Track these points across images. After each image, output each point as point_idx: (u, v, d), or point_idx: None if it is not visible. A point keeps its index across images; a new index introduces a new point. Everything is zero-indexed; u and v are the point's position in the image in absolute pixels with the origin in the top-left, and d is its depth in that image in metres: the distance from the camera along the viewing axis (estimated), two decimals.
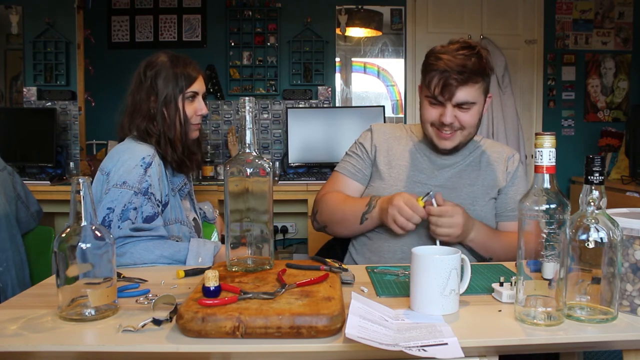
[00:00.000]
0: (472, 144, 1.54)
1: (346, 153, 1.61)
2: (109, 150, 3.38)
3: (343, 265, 1.13)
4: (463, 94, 1.35)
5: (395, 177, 1.49)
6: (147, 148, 1.40)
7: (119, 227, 1.26)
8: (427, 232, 1.37)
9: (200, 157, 1.62)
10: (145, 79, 1.44)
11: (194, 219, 1.56)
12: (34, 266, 1.62)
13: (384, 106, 3.46)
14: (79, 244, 0.90)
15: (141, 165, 1.35)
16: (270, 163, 1.11)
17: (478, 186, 1.47)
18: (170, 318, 0.86)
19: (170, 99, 1.43)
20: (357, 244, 1.52)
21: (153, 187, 1.35)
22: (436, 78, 1.36)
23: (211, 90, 3.60)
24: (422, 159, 1.51)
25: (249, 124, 1.08)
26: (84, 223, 0.91)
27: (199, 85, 1.49)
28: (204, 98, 1.53)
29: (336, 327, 0.81)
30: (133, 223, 1.28)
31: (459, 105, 1.37)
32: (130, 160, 1.35)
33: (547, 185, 0.87)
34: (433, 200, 1.30)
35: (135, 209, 1.29)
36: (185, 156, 1.47)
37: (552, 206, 0.85)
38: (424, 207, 1.29)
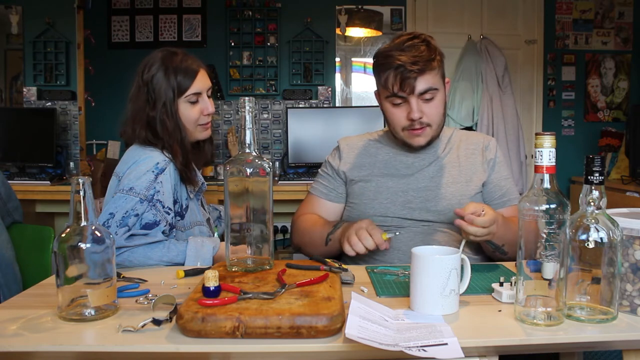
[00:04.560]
0: (445, 137, 1.50)
1: (318, 173, 1.58)
2: (109, 150, 3.38)
3: (343, 265, 1.13)
4: (423, 83, 1.33)
5: (375, 191, 1.44)
6: (164, 154, 1.36)
7: (115, 233, 1.23)
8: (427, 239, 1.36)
9: (210, 156, 1.56)
10: (142, 84, 1.39)
11: (208, 219, 1.54)
12: (33, 266, 1.62)
13: None
14: (79, 244, 0.89)
15: (153, 171, 1.32)
16: (270, 163, 1.11)
17: (461, 184, 1.43)
18: (170, 318, 0.86)
19: (168, 106, 1.37)
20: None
21: (161, 194, 1.31)
22: (392, 75, 1.33)
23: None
24: (399, 165, 1.47)
25: (248, 124, 1.08)
26: (83, 223, 0.91)
27: (200, 84, 1.42)
28: (211, 94, 1.47)
29: (336, 327, 0.81)
30: (130, 230, 1.25)
31: (423, 97, 1.34)
32: (143, 166, 1.32)
33: (547, 185, 0.87)
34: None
35: (136, 215, 1.26)
36: (186, 166, 1.40)
37: (552, 206, 0.85)
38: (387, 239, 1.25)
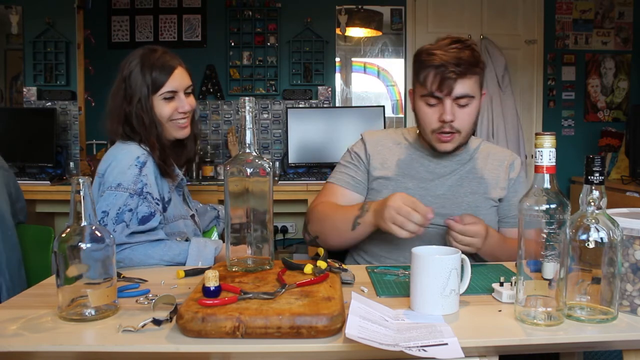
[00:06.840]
0: (471, 148, 1.50)
1: (340, 164, 1.53)
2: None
3: (343, 266, 1.13)
4: (461, 87, 1.31)
5: (394, 190, 1.40)
6: (142, 147, 1.38)
7: (113, 230, 1.24)
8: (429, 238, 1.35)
9: (193, 154, 1.56)
10: (122, 80, 1.42)
11: (192, 216, 1.55)
12: (34, 266, 1.62)
13: (384, 106, 3.46)
14: (79, 244, 0.89)
15: (136, 165, 1.33)
16: (270, 163, 1.11)
17: (479, 195, 1.43)
18: (170, 318, 0.86)
19: (143, 102, 1.38)
20: (356, 256, 1.48)
21: (149, 186, 1.32)
22: (432, 74, 1.31)
23: (211, 90, 3.60)
24: (420, 168, 1.46)
25: (249, 124, 1.08)
26: (84, 223, 0.91)
27: (176, 82, 1.41)
28: (193, 91, 1.46)
29: (336, 327, 0.81)
30: (128, 225, 1.26)
31: (458, 101, 1.33)
32: (125, 161, 1.33)
33: (547, 185, 0.87)
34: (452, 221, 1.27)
35: (130, 210, 1.27)
36: (163, 161, 1.40)
37: (552, 206, 0.85)
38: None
